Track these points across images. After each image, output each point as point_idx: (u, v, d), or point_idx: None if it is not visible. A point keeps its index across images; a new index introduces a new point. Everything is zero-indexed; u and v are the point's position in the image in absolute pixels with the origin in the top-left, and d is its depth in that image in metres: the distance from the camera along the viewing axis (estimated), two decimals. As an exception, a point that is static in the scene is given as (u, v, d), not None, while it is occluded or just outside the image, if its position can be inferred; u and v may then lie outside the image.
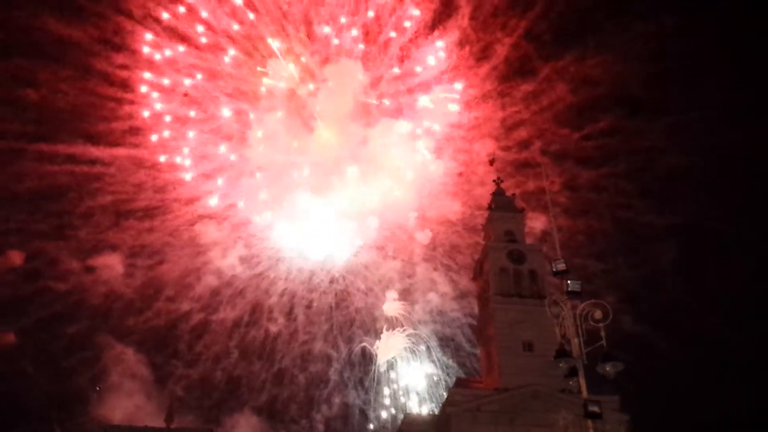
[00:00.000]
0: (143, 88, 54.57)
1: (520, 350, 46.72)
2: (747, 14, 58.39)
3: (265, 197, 57.03)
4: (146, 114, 54.45)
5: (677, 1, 56.44)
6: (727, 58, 57.79)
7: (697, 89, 56.73)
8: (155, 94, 54.52)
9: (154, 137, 55.02)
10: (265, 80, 56.11)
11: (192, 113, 55.19)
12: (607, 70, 57.53)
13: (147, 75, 54.32)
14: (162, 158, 55.34)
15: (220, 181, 56.20)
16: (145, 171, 54.94)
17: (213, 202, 56.47)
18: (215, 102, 56.04)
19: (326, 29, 56.06)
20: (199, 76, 54.92)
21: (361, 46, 56.38)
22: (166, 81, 54.42)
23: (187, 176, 55.43)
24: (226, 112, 56.36)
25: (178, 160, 55.52)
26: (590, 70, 57.03)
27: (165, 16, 54.15)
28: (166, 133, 54.84)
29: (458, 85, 57.43)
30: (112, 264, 56.80)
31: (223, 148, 56.30)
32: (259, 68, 55.94)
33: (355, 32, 56.51)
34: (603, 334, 16.11)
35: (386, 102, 57.94)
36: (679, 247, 55.63)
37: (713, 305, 53.82)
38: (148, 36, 53.63)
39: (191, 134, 55.42)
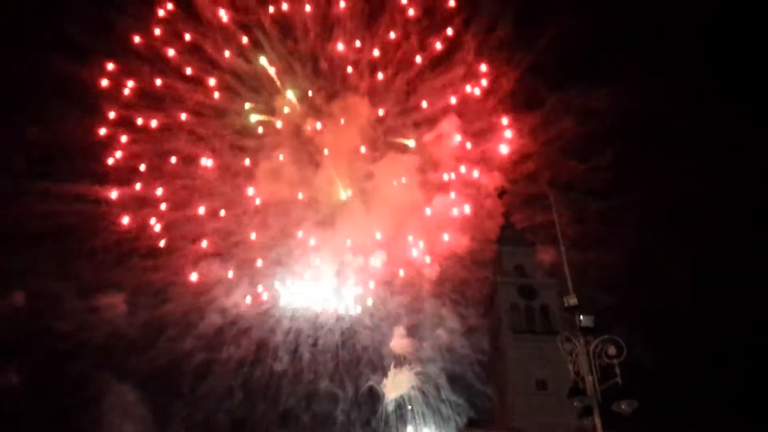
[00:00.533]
0: (153, 123, 54.96)
1: (533, 388, 45.76)
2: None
3: (270, 233, 56.87)
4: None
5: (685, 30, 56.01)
6: (736, 83, 57.08)
7: (704, 117, 56.12)
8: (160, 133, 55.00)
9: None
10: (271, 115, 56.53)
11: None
12: (613, 102, 57.33)
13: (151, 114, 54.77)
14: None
15: (223, 212, 56.07)
16: (149, 210, 54.98)
17: (217, 239, 56.36)
18: (221, 140, 56.39)
19: (332, 65, 56.59)
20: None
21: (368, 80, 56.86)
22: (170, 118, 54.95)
23: (193, 213, 55.42)
24: (230, 149, 56.65)
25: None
26: (596, 102, 56.89)
27: (171, 53, 54.93)
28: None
29: (464, 119, 57.47)
30: (114, 303, 56.46)
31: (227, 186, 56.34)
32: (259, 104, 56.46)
33: (361, 68, 57.08)
34: (617, 370, 15.55)
35: (392, 137, 58.10)
36: (693, 277, 54.56)
37: (729, 334, 52.47)
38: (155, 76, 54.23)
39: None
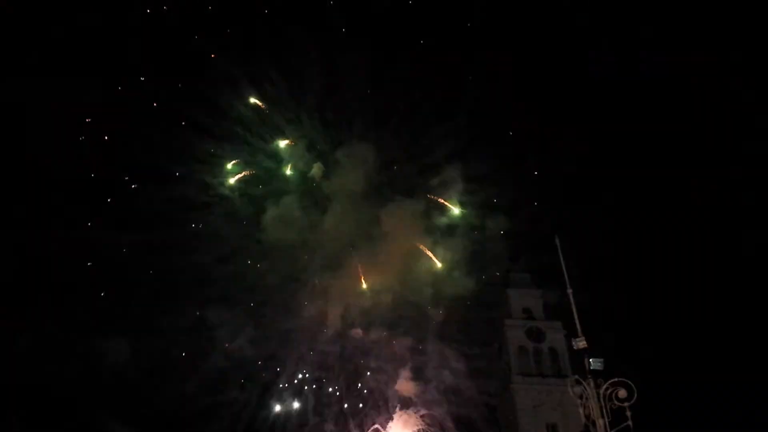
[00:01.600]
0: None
1: (544, 432, 45.18)
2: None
3: (276, 280, 57.19)
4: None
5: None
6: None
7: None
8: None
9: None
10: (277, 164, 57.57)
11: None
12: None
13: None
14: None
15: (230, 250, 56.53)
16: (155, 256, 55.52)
17: (225, 286, 56.71)
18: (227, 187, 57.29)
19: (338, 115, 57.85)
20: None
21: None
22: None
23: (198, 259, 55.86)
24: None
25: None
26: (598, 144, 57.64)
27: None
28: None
29: (467, 163, 58.25)
30: (119, 348, 56.29)
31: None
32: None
33: (367, 117, 58.26)
34: (628, 413, 15.60)
35: (398, 182, 58.89)
36: (697, 317, 54.36)
37: (736, 374, 51.93)
38: None
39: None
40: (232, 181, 57.39)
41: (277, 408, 57.23)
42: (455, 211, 57.13)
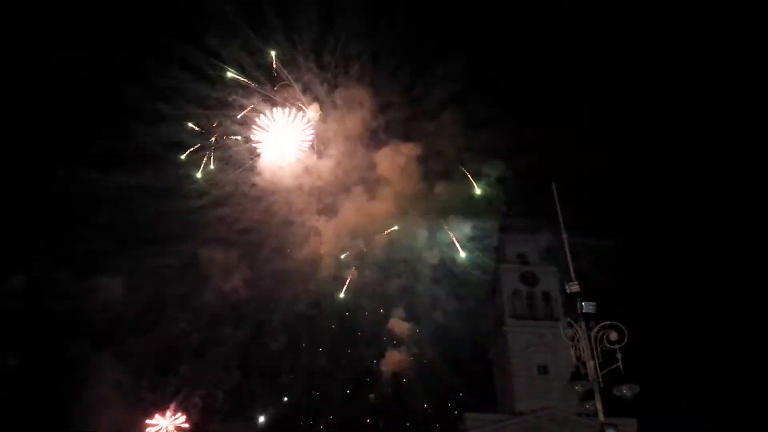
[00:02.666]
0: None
1: (535, 373, 46.20)
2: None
3: (273, 222, 57.39)
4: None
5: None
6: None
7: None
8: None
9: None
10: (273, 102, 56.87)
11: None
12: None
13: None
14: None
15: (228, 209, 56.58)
16: (157, 198, 55.40)
17: (222, 228, 56.99)
18: (225, 130, 56.71)
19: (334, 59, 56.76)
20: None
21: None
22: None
23: (197, 203, 55.90)
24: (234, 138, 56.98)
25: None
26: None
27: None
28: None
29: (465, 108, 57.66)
30: (113, 286, 56.91)
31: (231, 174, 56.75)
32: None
33: (363, 59, 57.20)
34: (619, 355, 15.89)
35: (394, 126, 58.38)
36: (693, 258, 54.77)
37: (729, 318, 52.76)
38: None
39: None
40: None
41: (271, 345, 58.51)
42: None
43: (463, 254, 56.97)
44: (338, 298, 57.98)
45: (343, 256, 58.21)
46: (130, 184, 55.24)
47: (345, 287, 57.19)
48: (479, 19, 55.97)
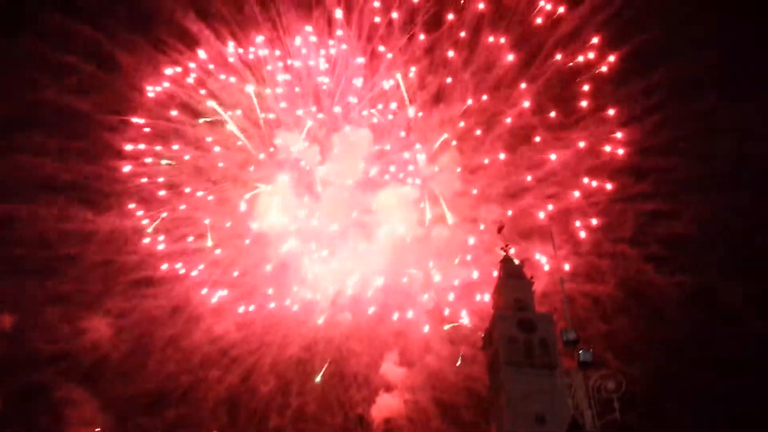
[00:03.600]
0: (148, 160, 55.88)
1: (532, 422, 45.15)
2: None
3: (268, 267, 57.14)
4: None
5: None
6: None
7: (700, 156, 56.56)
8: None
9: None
10: (273, 147, 57.44)
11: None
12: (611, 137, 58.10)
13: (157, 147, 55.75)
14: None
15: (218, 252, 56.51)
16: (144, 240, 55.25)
17: (215, 269, 56.75)
18: (221, 171, 57.05)
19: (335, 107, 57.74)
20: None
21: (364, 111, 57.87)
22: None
23: (192, 246, 55.88)
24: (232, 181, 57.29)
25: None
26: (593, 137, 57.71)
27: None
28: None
29: (463, 155, 58.28)
30: (101, 328, 56.20)
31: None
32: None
33: (363, 103, 58.08)
34: (616, 405, 15.67)
35: (392, 168, 58.77)
36: (687, 310, 54.71)
37: (721, 367, 52.22)
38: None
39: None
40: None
41: (260, 388, 57.40)
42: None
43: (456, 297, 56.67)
44: (332, 339, 57.31)
45: (338, 298, 57.76)
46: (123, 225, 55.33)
47: (339, 331, 56.59)
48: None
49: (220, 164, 57.04)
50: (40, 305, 55.90)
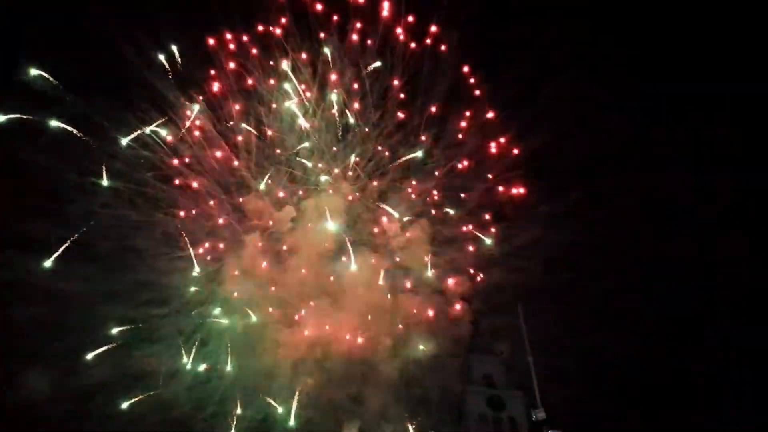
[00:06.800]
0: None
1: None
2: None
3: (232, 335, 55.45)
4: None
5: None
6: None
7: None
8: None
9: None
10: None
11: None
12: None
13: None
14: None
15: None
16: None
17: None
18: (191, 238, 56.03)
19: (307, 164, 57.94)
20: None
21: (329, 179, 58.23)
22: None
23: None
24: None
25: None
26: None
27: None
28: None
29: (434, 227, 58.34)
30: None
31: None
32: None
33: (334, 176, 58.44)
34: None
35: (360, 238, 58.48)
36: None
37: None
38: None
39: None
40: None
41: None
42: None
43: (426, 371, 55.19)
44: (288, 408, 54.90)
45: (298, 366, 55.82)
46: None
47: (296, 398, 54.20)
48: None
49: None
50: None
